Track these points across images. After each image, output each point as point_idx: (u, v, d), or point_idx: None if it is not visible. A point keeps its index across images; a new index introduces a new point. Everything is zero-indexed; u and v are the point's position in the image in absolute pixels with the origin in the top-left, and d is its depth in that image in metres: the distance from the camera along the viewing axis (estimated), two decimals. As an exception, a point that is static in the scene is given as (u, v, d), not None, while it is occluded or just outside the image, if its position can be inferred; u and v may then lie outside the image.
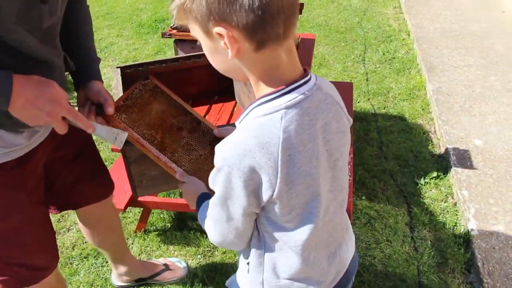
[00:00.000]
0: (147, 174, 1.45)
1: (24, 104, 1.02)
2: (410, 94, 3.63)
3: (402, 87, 3.73)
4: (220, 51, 0.82)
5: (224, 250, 2.21)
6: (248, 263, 1.01)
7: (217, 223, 0.93)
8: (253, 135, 0.81)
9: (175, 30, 2.06)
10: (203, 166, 1.33)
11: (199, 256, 2.19)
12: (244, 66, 0.84)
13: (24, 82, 1.02)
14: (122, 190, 2.14)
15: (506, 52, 4.15)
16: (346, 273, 1.11)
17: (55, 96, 1.06)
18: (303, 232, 0.91)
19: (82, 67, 1.30)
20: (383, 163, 2.82)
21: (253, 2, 0.73)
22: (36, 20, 1.04)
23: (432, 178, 2.70)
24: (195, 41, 2.09)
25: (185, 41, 2.11)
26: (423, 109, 3.43)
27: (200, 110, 1.96)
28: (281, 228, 0.91)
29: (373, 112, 3.39)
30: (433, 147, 3.02)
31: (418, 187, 2.65)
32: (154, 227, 2.37)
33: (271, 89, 0.83)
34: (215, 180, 0.87)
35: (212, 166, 1.21)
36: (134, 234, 2.33)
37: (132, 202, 2.13)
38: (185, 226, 2.36)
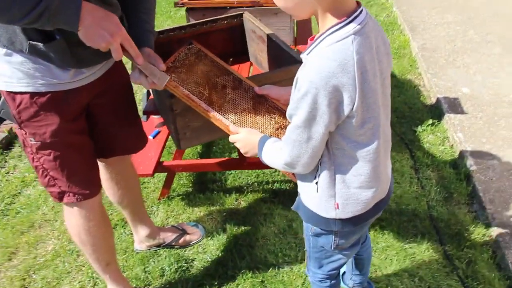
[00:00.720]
0: (191, 125, 1.59)
1: (92, 23, 1.15)
2: (397, 53, 3.81)
3: (387, 47, 3.90)
4: None
5: (248, 203, 2.35)
6: (316, 183, 1.16)
7: (296, 145, 1.07)
8: (333, 59, 0.95)
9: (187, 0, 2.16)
10: (247, 118, 1.46)
11: (224, 213, 2.33)
12: (314, 1, 0.96)
13: (92, 6, 1.17)
14: (147, 157, 2.26)
15: (480, 7, 4.37)
16: (389, 191, 1.28)
17: (117, 22, 1.22)
18: (374, 141, 1.08)
19: (137, 35, 1.41)
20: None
21: None
22: None
23: (428, 126, 2.90)
24: (206, 8, 2.20)
25: (197, 9, 2.21)
26: (410, 66, 3.62)
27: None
28: (354, 142, 1.07)
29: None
30: (424, 99, 3.22)
31: (416, 134, 2.84)
32: (176, 192, 2.50)
33: (336, 20, 0.97)
34: (300, 104, 1.00)
35: (255, 119, 1.36)
36: (158, 201, 2.45)
37: (158, 167, 2.25)
38: (206, 189, 2.50)
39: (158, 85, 1.37)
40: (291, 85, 1.60)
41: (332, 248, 1.31)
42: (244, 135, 1.32)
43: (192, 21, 2.28)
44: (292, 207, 1.35)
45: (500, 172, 2.47)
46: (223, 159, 2.40)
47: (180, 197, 2.46)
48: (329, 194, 1.16)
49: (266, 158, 1.21)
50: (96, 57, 1.38)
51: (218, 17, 1.98)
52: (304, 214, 1.28)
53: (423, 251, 2.06)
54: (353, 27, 0.96)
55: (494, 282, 1.92)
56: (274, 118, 1.47)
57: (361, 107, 1.00)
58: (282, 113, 1.46)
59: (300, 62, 1.58)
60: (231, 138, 1.36)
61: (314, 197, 1.19)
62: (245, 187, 2.48)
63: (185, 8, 2.21)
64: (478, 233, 2.15)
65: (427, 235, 2.14)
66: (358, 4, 1.01)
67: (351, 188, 1.15)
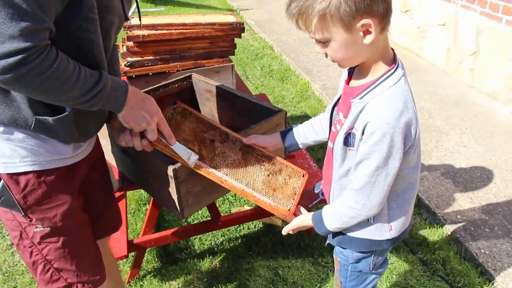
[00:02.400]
0: (193, 191, 1.57)
1: (134, 105, 1.21)
2: (302, 95, 4.11)
3: (292, 92, 4.19)
4: (356, 40, 1.05)
5: (226, 262, 2.32)
6: None
7: (375, 187, 1.14)
8: (398, 99, 1.08)
9: (128, 68, 2.16)
10: (238, 169, 1.50)
11: (205, 279, 2.26)
12: (370, 49, 1.08)
13: (134, 89, 1.23)
14: (115, 239, 2.13)
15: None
16: None
17: (156, 105, 1.28)
18: (419, 163, 1.21)
19: None
20: (313, 154, 3.19)
21: None
22: (109, 28, 1.21)
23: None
24: (148, 75, 2.20)
25: (139, 77, 2.21)
26: (318, 105, 3.92)
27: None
28: (407, 167, 1.18)
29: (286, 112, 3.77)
30: (343, 131, 3.50)
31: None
32: (145, 271, 2.37)
33: (386, 65, 1.12)
34: (378, 147, 1.08)
35: (246, 169, 1.42)
36: (128, 284, 2.29)
37: (129, 247, 2.13)
38: (176, 259, 2.40)
39: (188, 164, 1.39)
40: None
41: (371, 269, 1.38)
42: (296, 221, 1.38)
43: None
44: (334, 245, 1.40)
45: (432, 180, 2.77)
46: (197, 223, 2.35)
47: (151, 274, 2.34)
48: (383, 220, 1.25)
49: (332, 222, 1.27)
50: (94, 129, 1.35)
51: (168, 81, 2.01)
52: (352, 245, 1.34)
53: (402, 263, 2.22)
54: (401, 69, 1.12)
55: (470, 273, 2.13)
56: (264, 165, 1.53)
57: (417, 136, 1.13)
58: (271, 160, 1.53)
59: (275, 111, 1.71)
60: (285, 230, 1.40)
61: (366, 227, 1.27)
62: (215, 248, 2.44)
63: (126, 76, 2.19)
64: (439, 235, 2.38)
65: (399, 248, 2.30)
66: (393, 49, 1.16)
67: (403, 209, 1.25)
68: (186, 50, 2.20)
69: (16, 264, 2.40)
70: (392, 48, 1.16)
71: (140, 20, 1.51)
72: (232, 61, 2.31)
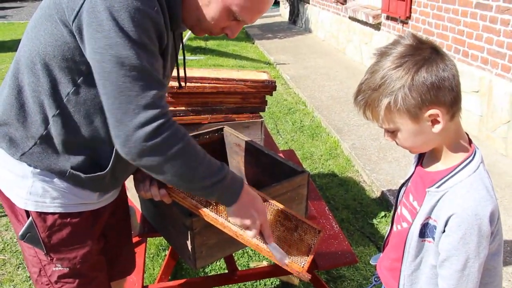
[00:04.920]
0: (207, 243, 1.57)
1: (247, 202, 1.25)
2: (330, 153, 4.11)
3: (321, 149, 4.20)
4: (424, 129, 1.06)
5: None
6: None
7: (469, 280, 1.06)
8: (481, 188, 1.05)
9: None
10: None
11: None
12: (440, 136, 1.08)
13: (248, 187, 1.28)
14: (128, 282, 2.13)
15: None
16: None
17: (263, 206, 1.32)
18: (499, 251, 1.15)
19: None
20: (337, 214, 3.15)
21: (453, 83, 1.03)
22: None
23: (381, 217, 3.10)
24: (180, 125, 2.24)
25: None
26: (347, 164, 3.91)
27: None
28: (489, 254, 1.11)
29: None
30: (370, 193, 3.46)
31: (374, 227, 3.01)
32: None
33: (462, 152, 1.11)
34: (467, 240, 1.03)
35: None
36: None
37: (143, 294, 2.12)
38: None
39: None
40: (296, 197, 1.69)
41: None
42: None
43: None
44: None
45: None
46: (212, 275, 2.33)
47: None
48: None
49: None
50: (122, 180, 1.41)
51: (199, 132, 2.06)
52: None
53: None
54: (479, 156, 1.10)
55: None
56: (280, 221, 1.52)
57: (498, 222, 1.10)
58: (287, 216, 1.53)
59: (299, 172, 1.72)
60: None
61: None
62: (229, 303, 2.40)
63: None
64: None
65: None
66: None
67: None
68: (218, 104, 2.26)
69: (31, 299, 2.42)
70: (466, 133, 1.15)
71: (185, 83, 1.58)
72: (262, 117, 2.35)
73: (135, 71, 1.00)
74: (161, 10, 1.08)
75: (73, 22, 1.04)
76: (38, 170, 1.21)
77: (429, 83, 1.01)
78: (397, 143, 1.14)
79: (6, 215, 3.06)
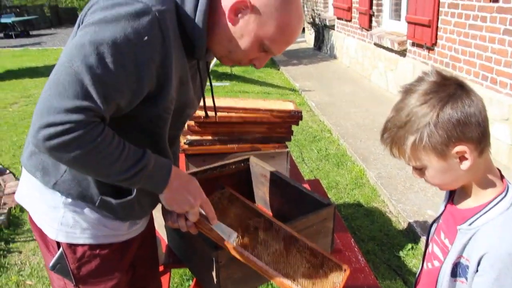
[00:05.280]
0: (232, 277, 1.56)
1: (178, 186, 1.22)
2: (356, 183, 4.06)
3: (346, 178, 4.16)
4: (452, 167, 1.05)
5: None
6: None
7: None
8: None
9: (187, 146, 2.24)
10: (280, 258, 1.49)
11: None
12: (469, 173, 1.06)
13: (178, 170, 1.25)
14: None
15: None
16: None
17: (199, 186, 1.29)
18: None
19: None
20: (363, 245, 3.09)
21: (479, 118, 1.01)
22: (182, 123, 1.33)
23: (409, 250, 3.02)
24: (205, 154, 2.26)
25: (197, 155, 2.29)
26: (372, 194, 3.85)
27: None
28: None
29: (334, 203, 3.72)
30: (396, 224, 3.39)
31: (401, 260, 2.94)
32: None
33: (494, 188, 1.08)
34: (501, 281, 0.99)
35: (287, 260, 1.39)
36: None
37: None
38: None
39: (229, 242, 1.39)
40: (322, 230, 1.67)
41: None
42: None
43: (192, 167, 2.34)
44: None
45: None
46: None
47: None
48: None
49: None
50: (150, 208, 1.41)
51: (226, 162, 2.06)
52: None
53: None
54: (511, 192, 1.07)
55: None
56: (305, 257, 1.50)
57: None
58: (312, 252, 1.51)
59: (325, 205, 1.70)
60: None
61: None
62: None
63: (184, 154, 2.28)
64: None
65: None
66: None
67: None
68: (244, 133, 2.27)
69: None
70: (498, 168, 1.13)
71: (215, 113, 1.59)
72: (287, 147, 2.35)
73: (80, 76, 0.99)
74: (164, 40, 1.08)
75: None
76: (70, 200, 1.22)
77: (455, 120, 1.00)
78: (425, 180, 1.13)
79: (34, 240, 3.12)
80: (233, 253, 1.43)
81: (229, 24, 1.18)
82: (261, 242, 1.53)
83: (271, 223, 1.60)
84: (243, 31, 1.18)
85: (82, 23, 1.11)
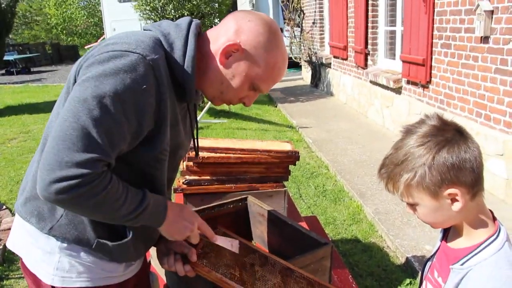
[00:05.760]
0: (232, 316, 1.59)
1: (175, 217, 1.31)
2: (353, 218, 4.10)
3: (344, 214, 4.20)
4: (444, 207, 1.10)
5: None
6: None
7: None
8: (506, 267, 1.05)
9: (185, 185, 2.30)
10: None
11: None
12: (460, 214, 1.11)
13: (171, 203, 1.33)
14: None
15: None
16: None
17: (192, 211, 1.40)
18: None
19: None
20: (361, 281, 3.11)
21: (474, 164, 1.07)
22: (176, 165, 1.40)
23: (407, 285, 3.04)
24: (204, 194, 2.32)
25: (195, 195, 2.34)
26: (370, 229, 3.89)
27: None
28: None
29: (331, 239, 3.75)
30: (394, 259, 3.42)
31: (400, 296, 2.96)
32: None
33: (487, 229, 1.12)
34: None
35: None
36: None
37: None
38: None
39: (234, 251, 1.50)
40: (320, 269, 1.72)
41: None
42: None
43: (190, 206, 2.40)
44: None
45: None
46: None
47: None
48: None
49: None
50: (146, 249, 1.45)
51: (224, 201, 2.12)
52: None
53: None
54: (504, 234, 1.12)
55: None
56: (303, 287, 1.54)
57: None
58: (309, 282, 1.55)
59: (322, 244, 1.75)
60: None
61: None
62: None
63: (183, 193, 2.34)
64: None
65: None
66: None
67: None
68: (242, 173, 2.33)
69: None
70: (490, 210, 1.17)
71: (196, 153, 1.65)
72: (285, 186, 2.41)
73: (87, 130, 1.05)
74: (159, 86, 1.17)
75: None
76: (65, 245, 1.26)
77: (450, 164, 1.06)
78: (418, 217, 1.18)
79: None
80: (219, 284, 1.45)
81: (221, 67, 1.28)
82: (259, 278, 1.57)
83: (266, 257, 1.64)
84: (234, 73, 1.27)
85: (78, 74, 1.18)
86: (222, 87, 1.30)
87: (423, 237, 3.58)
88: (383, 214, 4.03)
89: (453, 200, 1.09)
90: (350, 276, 2.57)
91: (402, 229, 3.73)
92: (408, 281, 3.08)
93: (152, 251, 1.75)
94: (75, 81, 1.17)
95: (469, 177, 1.07)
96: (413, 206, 1.15)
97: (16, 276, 3.22)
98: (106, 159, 1.09)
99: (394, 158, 1.13)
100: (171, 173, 1.41)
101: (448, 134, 1.09)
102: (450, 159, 1.06)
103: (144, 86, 1.13)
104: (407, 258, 3.32)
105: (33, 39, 30.59)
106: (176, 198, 2.72)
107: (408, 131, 1.15)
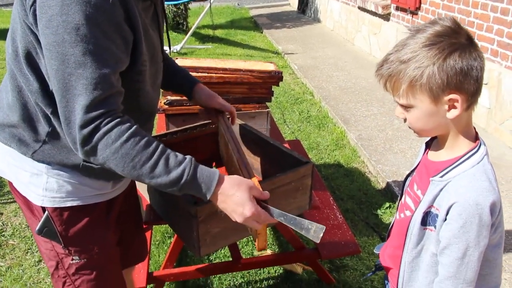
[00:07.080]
0: (211, 232, 1.60)
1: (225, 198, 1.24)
2: (337, 144, 4.12)
3: (327, 139, 4.21)
4: (439, 113, 1.08)
5: (241, 308, 2.30)
6: None
7: (469, 268, 1.08)
8: (483, 179, 1.07)
9: (167, 106, 2.24)
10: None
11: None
12: (451, 123, 1.10)
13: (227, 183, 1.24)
14: (136, 269, 2.17)
15: (397, 99, 4.93)
16: None
17: (241, 197, 1.25)
18: (500, 244, 1.17)
19: (184, 81, 1.65)
20: (342, 204, 3.17)
21: (479, 74, 1.04)
22: (158, 74, 1.34)
23: (386, 208, 3.11)
24: (185, 114, 2.27)
25: (177, 115, 2.29)
26: (353, 155, 3.92)
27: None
28: (490, 245, 1.12)
29: (315, 164, 3.78)
30: (375, 184, 3.47)
31: (378, 217, 3.03)
32: (162, 304, 2.38)
33: (469, 143, 1.12)
34: (468, 228, 1.05)
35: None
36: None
37: (148, 279, 2.16)
38: (193, 296, 2.41)
39: (314, 239, 1.16)
40: (301, 187, 1.71)
41: None
42: None
43: (172, 127, 2.36)
44: None
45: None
46: (217, 262, 2.36)
47: (167, 309, 2.35)
48: None
49: None
50: None
51: (206, 122, 2.08)
52: None
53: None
54: (484, 148, 1.12)
55: None
56: None
57: (500, 212, 1.11)
58: None
59: (303, 162, 1.74)
60: None
61: None
62: (233, 289, 2.44)
63: (164, 114, 2.29)
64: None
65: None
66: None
67: (478, 284, 1.16)
68: (224, 94, 2.27)
69: (40, 282, 2.47)
70: (474, 127, 1.16)
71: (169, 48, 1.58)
72: (268, 108, 2.37)
73: (80, 69, 1.01)
74: None
75: (29, 18, 1.06)
76: (52, 166, 1.23)
77: (459, 68, 1.03)
78: (405, 121, 1.16)
79: (14, 201, 3.12)
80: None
81: None
82: None
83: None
84: None
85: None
86: None
87: (404, 163, 3.62)
88: (366, 140, 4.05)
89: (451, 106, 1.07)
90: (331, 198, 2.61)
91: (384, 155, 3.77)
92: (387, 204, 3.15)
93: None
94: None
95: (472, 86, 1.05)
96: (406, 108, 1.12)
97: (3, 201, 3.21)
98: (111, 90, 1.05)
99: (400, 54, 1.07)
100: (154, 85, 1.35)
101: (462, 38, 1.05)
102: (460, 63, 1.03)
103: (111, 0, 1.04)
104: (387, 183, 3.38)
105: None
106: (159, 118, 2.67)
107: (419, 30, 1.08)
